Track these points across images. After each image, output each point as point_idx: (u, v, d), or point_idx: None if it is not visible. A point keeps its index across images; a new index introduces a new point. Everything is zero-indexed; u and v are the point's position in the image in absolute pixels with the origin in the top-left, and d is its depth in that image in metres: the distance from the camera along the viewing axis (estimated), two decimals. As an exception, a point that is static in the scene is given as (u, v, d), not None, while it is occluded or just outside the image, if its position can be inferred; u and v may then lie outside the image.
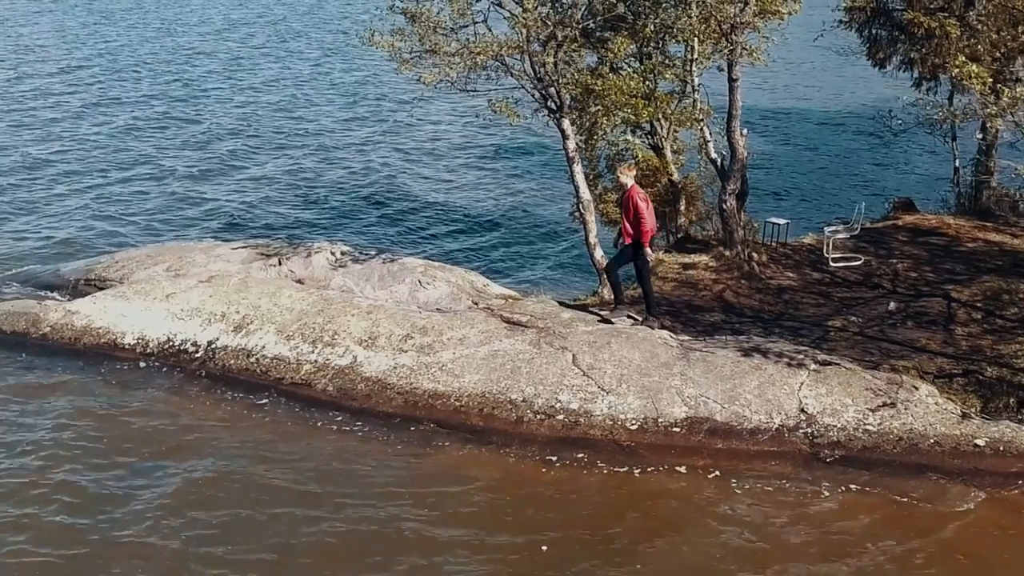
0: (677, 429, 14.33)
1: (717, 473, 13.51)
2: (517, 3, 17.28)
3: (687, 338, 16.43)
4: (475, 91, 18.50)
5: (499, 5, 17.46)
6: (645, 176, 20.32)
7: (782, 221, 20.91)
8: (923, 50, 21.72)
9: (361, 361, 15.71)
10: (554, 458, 13.88)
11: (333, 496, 12.90)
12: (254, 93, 42.34)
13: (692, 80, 18.93)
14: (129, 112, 37.66)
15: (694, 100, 19.11)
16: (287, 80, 45.79)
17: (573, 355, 15.42)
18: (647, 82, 18.56)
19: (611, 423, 14.44)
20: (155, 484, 13.01)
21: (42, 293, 19.53)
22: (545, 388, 14.91)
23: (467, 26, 17.47)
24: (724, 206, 19.51)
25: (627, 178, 16.11)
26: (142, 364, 16.36)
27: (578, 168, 18.32)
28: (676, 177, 20.48)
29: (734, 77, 18.75)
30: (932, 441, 14.15)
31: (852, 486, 13.28)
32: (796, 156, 29.74)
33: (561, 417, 14.55)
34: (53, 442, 13.91)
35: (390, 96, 41.73)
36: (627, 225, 16.05)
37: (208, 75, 46.34)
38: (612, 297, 18.13)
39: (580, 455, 13.91)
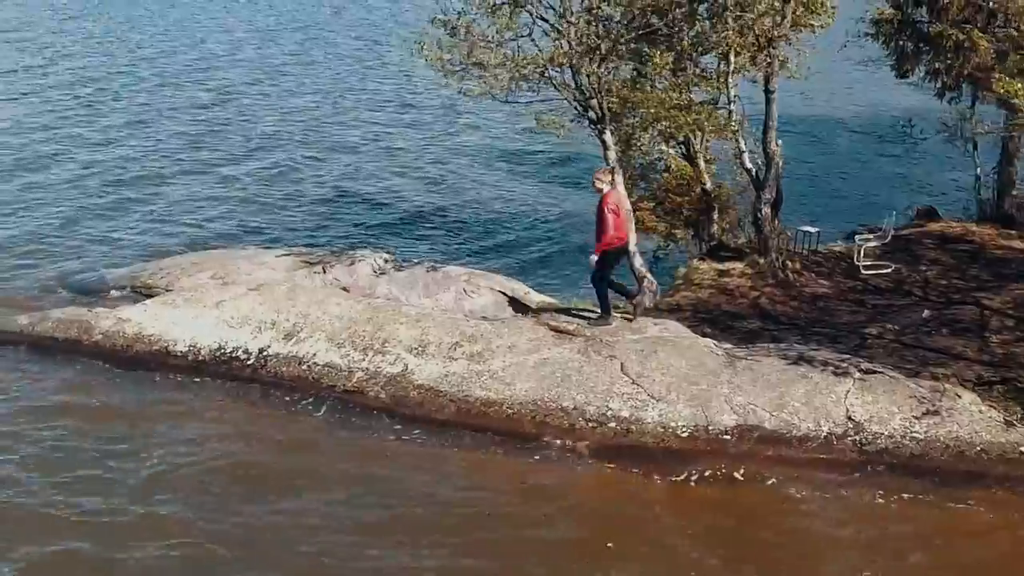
0: (728, 437, 14.17)
1: (774, 481, 13.36)
2: (561, 18, 17.20)
3: (729, 346, 16.34)
4: (516, 102, 18.46)
5: (543, 19, 17.35)
6: (680, 185, 20.27)
7: (813, 229, 20.79)
8: (949, 61, 21.62)
9: (412, 369, 15.54)
10: (612, 465, 13.80)
11: (397, 501, 12.85)
12: (287, 101, 41.94)
13: (728, 92, 18.75)
14: (165, 120, 37.23)
15: (730, 111, 18.93)
16: (320, 88, 45.33)
17: (621, 363, 15.27)
18: (683, 94, 18.39)
19: (662, 431, 14.30)
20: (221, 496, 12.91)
21: (88, 299, 19.33)
22: (596, 396, 14.76)
23: (512, 40, 17.36)
24: (759, 214, 19.37)
25: (603, 184, 15.71)
26: (195, 371, 16.17)
27: (619, 177, 18.17)
28: (709, 186, 20.37)
29: (771, 89, 18.65)
30: (978, 449, 14.02)
31: (904, 494, 13.14)
32: (816, 163, 29.53)
33: (613, 424, 14.40)
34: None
35: (425, 104, 41.35)
36: (608, 225, 15.67)
37: (241, 84, 45.68)
38: (652, 303, 18.12)
39: (636, 463, 13.80)
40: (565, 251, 23.16)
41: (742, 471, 13.56)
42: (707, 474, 13.56)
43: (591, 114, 17.80)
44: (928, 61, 22.43)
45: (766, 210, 19.26)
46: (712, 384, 14.84)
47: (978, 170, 24.19)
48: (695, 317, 17.99)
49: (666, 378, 14.95)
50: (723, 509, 13.06)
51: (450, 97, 36.59)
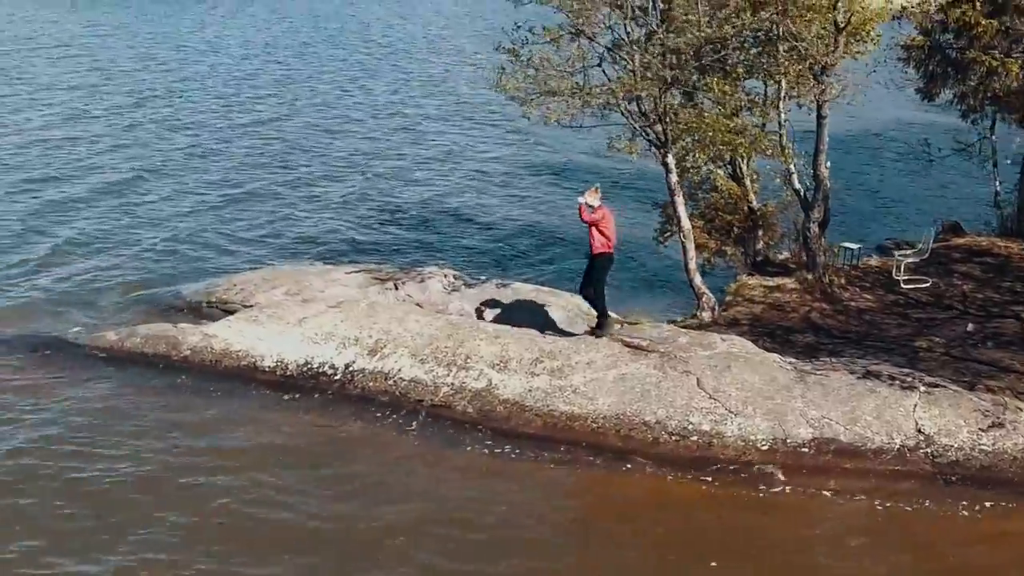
0: (805, 450, 14.16)
1: (863, 498, 13.27)
2: (630, 51, 17.23)
3: (793, 360, 16.30)
4: (581, 126, 18.43)
5: (614, 49, 17.36)
6: (728, 204, 20.26)
7: (855, 246, 20.82)
8: (975, 85, 21.72)
9: (496, 384, 15.46)
10: (701, 478, 13.68)
11: (497, 517, 12.75)
12: (343, 120, 41.54)
13: (780, 116, 18.79)
14: (217, 135, 37.12)
15: (780, 135, 18.97)
16: (365, 103, 45.05)
17: (697, 378, 15.22)
18: (738, 119, 18.40)
19: (743, 444, 14.27)
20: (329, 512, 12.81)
21: (167, 314, 19.19)
22: (676, 410, 14.71)
23: (581, 70, 17.37)
24: (808, 233, 19.41)
25: (595, 200, 15.98)
26: (284, 386, 16.04)
27: (680, 199, 18.19)
28: (755, 204, 20.39)
29: (823, 115, 18.67)
30: None
31: (986, 503, 13.13)
32: (840, 180, 29.60)
33: (695, 438, 14.37)
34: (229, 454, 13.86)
35: (480, 122, 41.10)
36: (596, 238, 16.18)
37: (298, 103, 45.23)
38: (711, 319, 18.16)
39: (725, 476, 13.71)
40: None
41: (830, 484, 13.54)
42: (799, 490, 13.48)
43: (654, 138, 17.85)
44: (955, 84, 22.50)
45: (815, 228, 19.31)
46: (786, 398, 14.83)
47: (998, 186, 24.31)
48: (753, 331, 17.93)
49: (742, 393, 14.92)
50: (821, 522, 13.04)
51: (503, 113, 36.61)
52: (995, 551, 12.32)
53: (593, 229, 16.14)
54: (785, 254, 21.12)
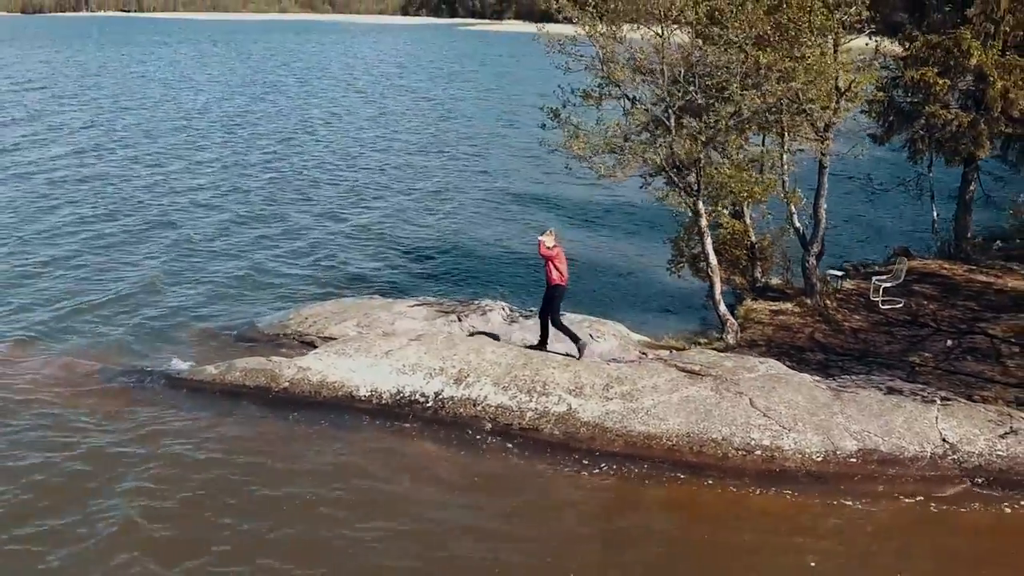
0: (853, 460, 13.95)
1: (918, 499, 13.12)
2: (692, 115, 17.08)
3: (819, 378, 16.20)
4: (614, 176, 18.14)
5: (658, 120, 17.15)
6: (734, 237, 20.22)
7: (839, 273, 20.96)
8: (926, 133, 22.05)
9: (576, 408, 15.00)
10: (780, 488, 13.41)
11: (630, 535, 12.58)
12: (335, 152, 40.63)
13: (785, 167, 18.81)
14: (269, 174, 36.37)
15: (783, 182, 18.98)
16: (399, 142, 44.04)
17: (750, 399, 14.96)
18: (752, 170, 18.34)
19: (800, 456, 14.01)
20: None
21: (249, 347, 18.56)
22: (737, 428, 14.42)
23: (636, 134, 17.17)
24: (807, 264, 19.49)
25: (550, 240, 16.01)
26: (381, 414, 15.50)
27: (708, 240, 18.04)
28: (754, 238, 20.42)
29: (824, 164, 18.77)
30: None
31: (1019, 503, 13.05)
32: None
33: (758, 452, 14.09)
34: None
35: (494, 156, 40.39)
36: (553, 271, 16.08)
37: (345, 143, 44.31)
38: (735, 341, 18.07)
39: (792, 486, 13.47)
40: (620, 290, 22.78)
41: (880, 489, 13.39)
42: (854, 494, 13.31)
43: (687, 188, 17.73)
44: (906, 131, 22.79)
45: (812, 261, 19.40)
46: (829, 414, 14.64)
47: (935, 216, 24.76)
48: (770, 352, 17.75)
49: (790, 410, 14.70)
50: (900, 531, 12.74)
51: (524, 161, 35.94)
52: None
53: (549, 264, 16.05)
54: (776, 280, 21.17)
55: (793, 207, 19.23)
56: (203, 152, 40.14)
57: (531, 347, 16.82)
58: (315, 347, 17.88)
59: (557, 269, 16.09)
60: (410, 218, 30.20)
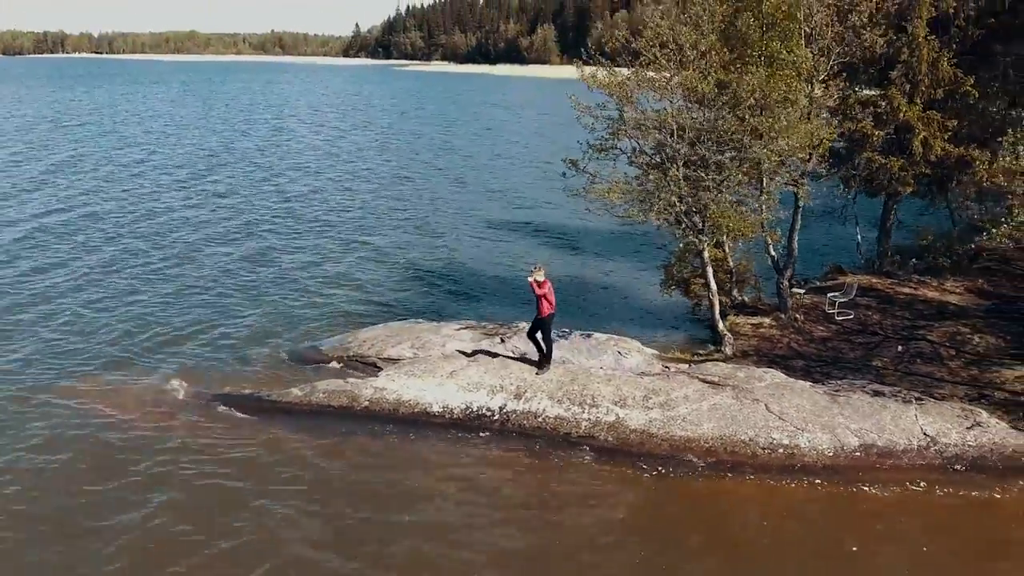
0: (858, 454, 14.28)
1: (921, 487, 13.42)
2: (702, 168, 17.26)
3: (812, 384, 16.52)
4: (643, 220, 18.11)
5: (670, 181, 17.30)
6: (716, 263, 20.40)
7: (802, 291, 21.39)
8: (857, 173, 22.68)
9: (623, 418, 15.05)
10: (814, 481, 13.58)
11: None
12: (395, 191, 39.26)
13: (764, 207, 19.08)
14: (317, 208, 35.05)
15: (762, 220, 19.22)
16: (421, 179, 42.39)
17: (765, 404, 15.21)
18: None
19: (815, 453, 14.26)
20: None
21: (311, 367, 18.05)
22: (760, 430, 14.65)
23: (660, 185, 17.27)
24: (781, 285, 19.89)
25: (541, 275, 15.77)
26: (455, 427, 15.31)
27: (710, 270, 18.30)
28: (731, 264, 20.77)
29: (799, 204, 19.21)
30: (1011, 449, 14.42)
31: (996, 485, 13.43)
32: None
33: (781, 451, 14.31)
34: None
35: (511, 192, 39.37)
36: (544, 304, 15.77)
37: (372, 177, 42.57)
38: (732, 353, 18.32)
39: (815, 476, 13.67)
40: (613, 310, 22.48)
41: (884, 477, 13.65)
42: (867, 482, 13.53)
43: (690, 225, 17.92)
44: (843, 171, 23.32)
45: (786, 283, 19.82)
46: (831, 416, 14.95)
47: (859, 238, 25.49)
48: (759, 360, 17.98)
49: (800, 413, 14.98)
50: (905, 516, 12.89)
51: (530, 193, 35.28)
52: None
53: (542, 299, 15.69)
54: (745, 296, 21.47)
55: (769, 240, 19.59)
56: (230, 187, 38.88)
57: (536, 362, 16.43)
58: (376, 367, 17.61)
59: (548, 301, 15.77)
60: (423, 243, 29.65)
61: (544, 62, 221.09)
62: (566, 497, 13.30)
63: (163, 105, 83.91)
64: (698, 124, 16.83)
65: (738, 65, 17.08)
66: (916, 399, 15.78)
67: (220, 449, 14.28)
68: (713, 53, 16.64)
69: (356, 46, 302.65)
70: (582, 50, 18.11)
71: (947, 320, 20.43)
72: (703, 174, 16.85)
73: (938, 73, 21.68)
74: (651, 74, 17.28)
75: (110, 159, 46.74)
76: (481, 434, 15.09)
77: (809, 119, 18.01)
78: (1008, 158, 18.85)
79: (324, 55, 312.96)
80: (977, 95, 21.72)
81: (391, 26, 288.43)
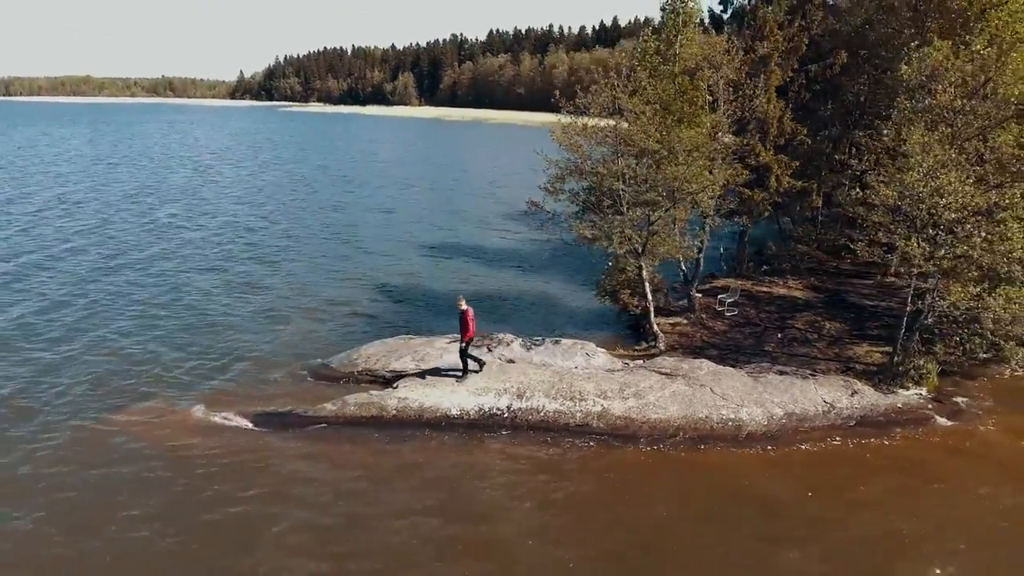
0: (784, 421, 15.21)
1: (837, 441, 14.46)
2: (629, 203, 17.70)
3: (734, 368, 17.40)
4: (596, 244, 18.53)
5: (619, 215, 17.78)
6: (639, 276, 21.05)
7: (699, 295, 22.42)
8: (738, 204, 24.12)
9: (608, 408, 15.33)
10: (758, 446, 14.37)
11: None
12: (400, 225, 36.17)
13: (678, 233, 19.87)
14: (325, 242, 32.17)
15: (678, 243, 19.95)
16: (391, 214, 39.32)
17: (710, 388, 15.94)
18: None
19: (754, 423, 15.08)
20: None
21: (327, 383, 17.06)
22: (712, 409, 15.32)
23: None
24: (691, 294, 20.86)
25: (465, 305, 15.89)
26: (473, 427, 15.08)
27: (648, 286, 18.95)
28: (647, 275, 21.49)
29: (707, 230, 20.18)
30: (883, 407, 15.89)
31: (873, 440, 14.61)
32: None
33: (730, 424, 15.03)
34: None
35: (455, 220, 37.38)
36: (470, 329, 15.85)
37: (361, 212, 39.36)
38: (664, 348, 18.99)
39: (760, 443, 14.48)
40: (551, 317, 22.39)
41: (813, 436, 14.66)
42: (798, 444, 14.44)
43: (632, 249, 18.52)
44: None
45: (695, 292, 20.83)
46: (760, 394, 15.88)
47: (722, 249, 27.12)
48: (685, 353, 18.63)
49: (736, 393, 15.82)
50: (834, 465, 13.78)
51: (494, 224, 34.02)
52: (919, 458, 13.94)
53: (471, 322, 15.77)
54: (658, 303, 22.23)
55: (682, 257, 20.47)
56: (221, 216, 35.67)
57: (458, 374, 16.19)
58: (385, 379, 17.09)
59: (470, 325, 15.79)
60: (391, 266, 28.23)
61: (406, 103, 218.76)
62: (586, 473, 13.50)
63: (84, 145, 76.17)
64: (639, 174, 17.45)
65: (667, 123, 17.85)
66: (811, 375, 17.03)
67: (260, 470, 13.36)
68: (652, 115, 17.32)
69: (241, 90, 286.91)
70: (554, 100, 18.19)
71: (802, 311, 22.06)
72: (649, 213, 17.48)
73: (783, 126, 23.51)
74: (595, 122, 17.73)
75: (56, 198, 42.05)
76: (496, 431, 14.99)
77: (713, 166, 19.01)
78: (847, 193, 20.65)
79: (212, 98, 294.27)
80: (809, 142, 23.74)
81: (272, 72, 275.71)
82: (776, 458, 14.13)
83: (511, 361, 17.27)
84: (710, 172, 18.97)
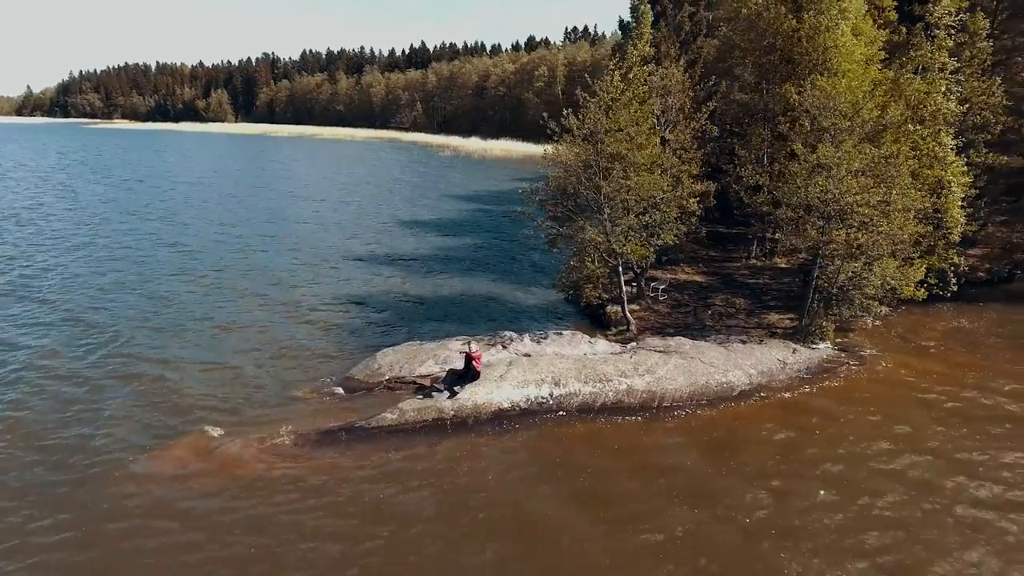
0: (759, 380, 17.06)
1: (787, 395, 16.50)
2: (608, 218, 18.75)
3: (703, 342, 19.18)
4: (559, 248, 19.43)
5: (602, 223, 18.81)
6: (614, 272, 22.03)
7: (651, 284, 23.93)
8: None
9: (632, 386, 16.29)
10: (746, 401, 16.12)
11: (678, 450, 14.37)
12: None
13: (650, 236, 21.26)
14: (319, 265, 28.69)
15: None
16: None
17: (699, 359, 17.55)
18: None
19: (741, 384, 16.85)
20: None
21: (359, 393, 16.41)
22: (708, 376, 16.88)
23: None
24: (642, 284, 22.41)
25: (476, 346, 16.41)
26: (524, 415, 15.41)
27: (622, 278, 20.16)
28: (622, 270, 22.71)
29: (660, 232, 21.82)
30: (818, 360, 18.30)
31: (823, 383, 16.98)
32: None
33: (725, 386, 16.69)
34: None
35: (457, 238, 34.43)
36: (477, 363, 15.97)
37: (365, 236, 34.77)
38: (632, 335, 20.28)
39: (749, 399, 16.22)
40: (520, 308, 22.81)
41: (779, 394, 16.63)
42: (768, 396, 16.35)
43: (613, 260, 19.71)
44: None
45: (644, 282, 22.42)
46: (735, 361, 17.66)
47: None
48: (653, 333, 20.01)
49: (719, 361, 17.48)
50: (799, 412, 15.74)
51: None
52: (832, 401, 16.45)
53: (476, 363, 15.96)
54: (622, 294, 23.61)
55: (634, 259, 21.91)
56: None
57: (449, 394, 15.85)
58: (416, 384, 16.79)
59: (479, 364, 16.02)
60: (383, 279, 26.72)
61: (221, 120, 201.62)
62: (632, 444, 14.37)
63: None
64: (615, 186, 18.76)
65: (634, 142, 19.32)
66: (760, 341, 19.38)
67: (345, 490, 12.86)
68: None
69: (30, 106, 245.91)
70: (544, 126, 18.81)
71: (711, 292, 24.63)
72: (627, 219, 18.81)
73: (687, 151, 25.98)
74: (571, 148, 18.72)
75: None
76: (546, 416, 15.46)
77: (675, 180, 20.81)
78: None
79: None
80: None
81: (67, 88, 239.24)
82: (776, 404, 16.15)
83: (527, 355, 17.66)
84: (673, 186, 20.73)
